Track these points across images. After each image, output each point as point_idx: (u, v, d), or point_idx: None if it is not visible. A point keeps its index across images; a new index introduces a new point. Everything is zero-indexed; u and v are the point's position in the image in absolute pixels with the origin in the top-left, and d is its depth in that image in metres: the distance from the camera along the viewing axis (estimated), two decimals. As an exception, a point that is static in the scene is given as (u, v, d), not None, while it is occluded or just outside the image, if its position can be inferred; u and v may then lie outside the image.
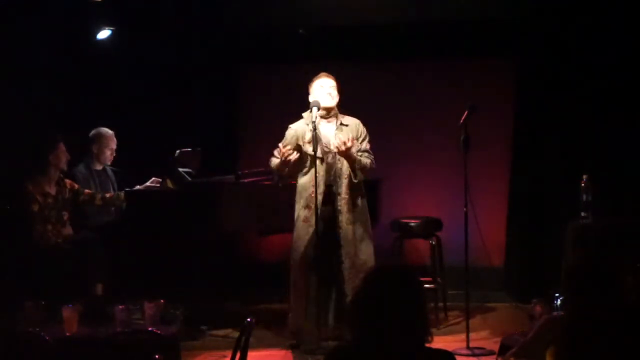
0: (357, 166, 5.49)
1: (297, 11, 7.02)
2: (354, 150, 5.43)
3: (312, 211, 5.43)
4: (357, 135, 5.58)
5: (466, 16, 6.89)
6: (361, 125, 5.65)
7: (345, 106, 5.69)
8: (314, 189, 5.42)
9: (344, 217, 5.50)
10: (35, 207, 5.93)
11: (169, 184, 6.23)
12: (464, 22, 6.94)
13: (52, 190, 6.05)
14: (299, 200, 5.58)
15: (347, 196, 5.51)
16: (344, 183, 5.52)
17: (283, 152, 5.45)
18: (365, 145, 5.61)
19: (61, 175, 6.14)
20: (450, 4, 6.89)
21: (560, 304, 4.71)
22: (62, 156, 6.09)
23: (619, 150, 6.56)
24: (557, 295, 4.58)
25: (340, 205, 5.50)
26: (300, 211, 5.55)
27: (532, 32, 6.88)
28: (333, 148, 5.47)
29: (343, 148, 5.35)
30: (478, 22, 6.91)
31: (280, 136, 5.65)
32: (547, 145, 6.83)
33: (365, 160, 5.54)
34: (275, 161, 5.58)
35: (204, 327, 5.87)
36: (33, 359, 3.84)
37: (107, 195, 6.28)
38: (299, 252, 5.53)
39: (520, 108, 7.06)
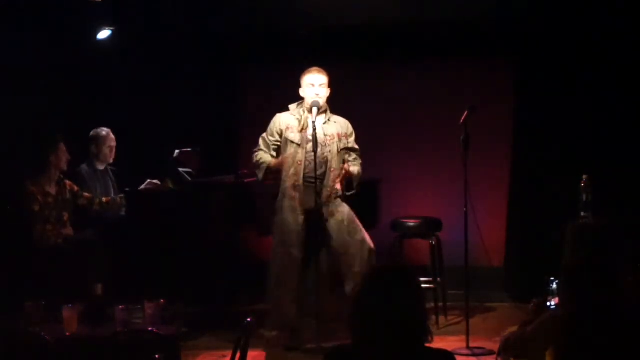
0: (354, 179, 5.56)
1: (297, 11, 7.01)
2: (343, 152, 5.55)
3: (296, 200, 5.46)
4: (346, 132, 5.63)
5: (466, 16, 6.88)
6: (350, 125, 5.69)
7: (344, 106, 5.70)
8: (296, 179, 5.48)
9: (334, 208, 5.51)
10: (36, 207, 5.93)
11: (169, 184, 6.24)
12: (464, 22, 6.94)
13: (53, 190, 6.06)
14: (282, 190, 5.59)
15: (335, 187, 5.53)
16: (332, 175, 5.53)
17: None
18: (354, 144, 5.66)
19: (61, 176, 6.15)
20: (450, 4, 6.88)
21: (557, 289, 4.67)
22: (63, 156, 6.10)
23: (619, 150, 6.56)
24: (552, 279, 4.56)
25: (327, 196, 5.52)
26: (284, 201, 5.55)
27: (532, 32, 6.87)
28: (321, 138, 5.47)
29: (344, 175, 5.48)
30: (478, 22, 6.91)
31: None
32: (547, 145, 6.82)
33: (358, 168, 5.61)
34: (261, 162, 5.60)
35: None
36: (33, 359, 3.84)
37: (104, 200, 6.28)
38: (286, 249, 5.53)
39: (520, 108, 7.06)
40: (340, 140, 5.58)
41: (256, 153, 5.65)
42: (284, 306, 5.56)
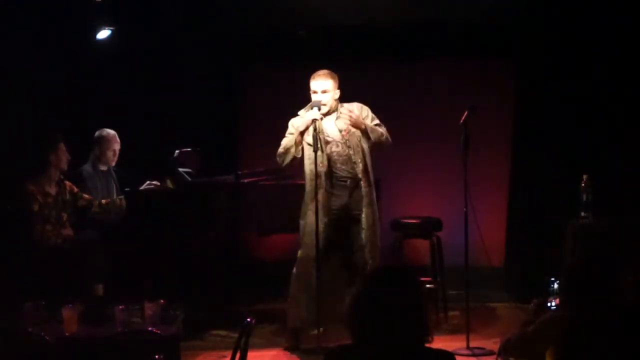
0: (369, 129, 5.50)
1: (297, 11, 7.01)
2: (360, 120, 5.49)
3: (320, 202, 5.42)
4: (360, 115, 5.58)
5: (466, 16, 6.88)
6: (364, 106, 5.64)
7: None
8: (319, 181, 5.42)
9: (365, 201, 5.52)
10: (36, 207, 5.93)
11: (169, 184, 6.24)
12: (464, 22, 6.94)
13: (53, 190, 6.06)
14: (306, 194, 5.58)
15: (365, 181, 5.52)
16: (360, 168, 5.51)
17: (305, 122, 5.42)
18: (375, 120, 5.61)
19: (61, 177, 6.14)
20: (450, 4, 6.89)
21: (558, 289, 4.67)
22: (63, 156, 6.09)
23: (619, 150, 6.56)
24: (553, 279, 4.57)
25: (364, 189, 5.51)
26: (309, 204, 5.53)
27: (531, 32, 6.87)
28: (337, 135, 5.46)
29: (352, 119, 5.41)
30: (478, 22, 6.91)
31: (280, 136, 5.64)
32: (547, 145, 6.83)
33: (379, 128, 5.57)
34: (286, 142, 5.54)
35: None
36: (33, 359, 3.84)
37: (104, 201, 6.27)
38: (309, 244, 5.48)
39: (520, 108, 7.06)
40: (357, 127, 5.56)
41: (280, 147, 5.60)
42: (301, 305, 5.54)
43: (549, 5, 6.73)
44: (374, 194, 5.62)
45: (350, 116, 5.47)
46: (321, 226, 5.39)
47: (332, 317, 5.41)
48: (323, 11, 6.97)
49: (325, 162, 5.48)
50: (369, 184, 5.56)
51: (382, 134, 5.57)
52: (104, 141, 6.49)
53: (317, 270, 5.38)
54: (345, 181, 5.50)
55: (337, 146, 5.51)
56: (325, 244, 5.45)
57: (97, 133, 6.51)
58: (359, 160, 5.52)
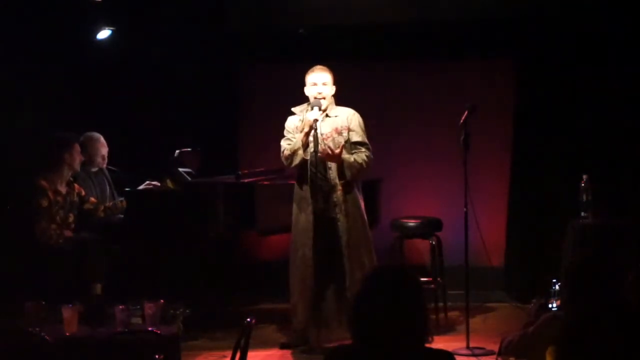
0: (345, 166, 5.41)
1: (297, 11, 7.02)
2: (337, 150, 5.36)
3: (306, 200, 5.44)
4: (347, 125, 5.50)
5: (466, 16, 6.89)
6: (356, 116, 5.55)
7: (344, 106, 5.68)
8: (304, 179, 5.42)
9: (340, 208, 5.48)
10: (45, 203, 5.90)
11: (169, 184, 6.24)
12: (463, 22, 6.94)
13: (63, 189, 6.05)
14: (294, 196, 5.58)
15: (340, 187, 5.49)
16: (334, 173, 5.46)
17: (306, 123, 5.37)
18: (357, 137, 5.50)
19: (71, 179, 6.13)
20: (450, 4, 6.89)
21: (558, 291, 4.69)
22: (77, 156, 6.10)
23: (619, 150, 6.56)
24: (554, 281, 4.58)
25: (336, 197, 5.48)
26: (296, 202, 5.54)
27: (532, 32, 6.88)
28: (320, 144, 5.38)
29: (327, 152, 5.34)
30: (478, 22, 6.91)
31: (280, 136, 5.64)
32: (547, 145, 6.83)
33: (355, 157, 5.44)
34: (289, 145, 5.50)
35: None
36: (33, 359, 3.85)
37: (107, 205, 6.27)
38: (300, 249, 5.50)
39: (520, 108, 7.06)
40: (340, 134, 5.49)
41: (283, 150, 5.53)
42: (299, 306, 5.52)
43: (550, 6, 6.73)
44: (353, 202, 5.51)
45: (328, 153, 5.35)
46: (310, 222, 5.41)
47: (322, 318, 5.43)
48: (323, 10, 6.98)
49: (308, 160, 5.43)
50: (345, 192, 5.48)
51: (358, 168, 5.43)
52: (90, 147, 6.43)
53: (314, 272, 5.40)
54: (321, 185, 5.45)
55: (317, 148, 5.40)
56: (313, 242, 5.42)
57: (82, 138, 6.42)
58: (335, 167, 5.45)
